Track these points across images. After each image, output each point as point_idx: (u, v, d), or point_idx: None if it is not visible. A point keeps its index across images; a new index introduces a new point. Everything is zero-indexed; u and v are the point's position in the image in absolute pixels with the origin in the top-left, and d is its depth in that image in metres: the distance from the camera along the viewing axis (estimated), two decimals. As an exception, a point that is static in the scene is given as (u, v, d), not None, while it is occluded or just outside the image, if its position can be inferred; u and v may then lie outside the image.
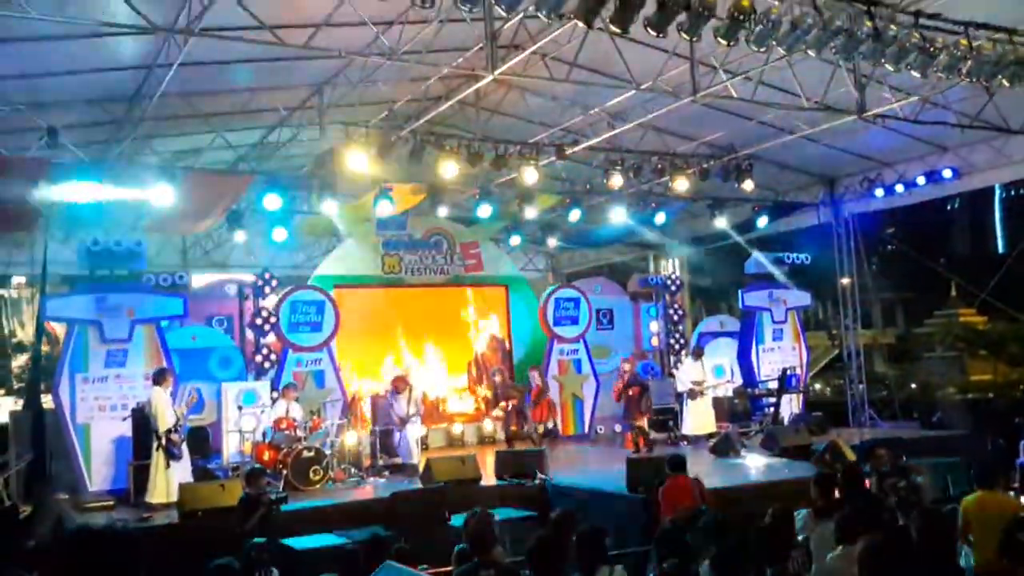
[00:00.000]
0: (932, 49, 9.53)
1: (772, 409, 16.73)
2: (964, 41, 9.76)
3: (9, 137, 12.25)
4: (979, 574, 5.99)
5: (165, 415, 11.69)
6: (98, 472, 12.84)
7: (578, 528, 6.11)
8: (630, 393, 16.75)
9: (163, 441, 11.58)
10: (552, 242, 20.90)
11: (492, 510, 9.68)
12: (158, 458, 11.62)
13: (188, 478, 11.73)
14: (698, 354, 17.12)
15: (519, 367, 19.53)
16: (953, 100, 13.11)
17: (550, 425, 16.74)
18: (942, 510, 7.12)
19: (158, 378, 12.10)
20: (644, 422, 16.19)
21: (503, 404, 16.80)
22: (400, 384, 14.68)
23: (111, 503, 11.96)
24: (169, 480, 11.50)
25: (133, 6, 8.70)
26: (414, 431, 14.46)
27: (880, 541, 4.52)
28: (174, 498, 11.08)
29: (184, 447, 11.94)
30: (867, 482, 8.62)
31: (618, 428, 16.10)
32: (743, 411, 17.61)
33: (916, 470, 9.65)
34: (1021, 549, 5.03)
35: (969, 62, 9.85)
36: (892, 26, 9.26)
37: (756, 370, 18.19)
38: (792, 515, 6.72)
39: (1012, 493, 7.09)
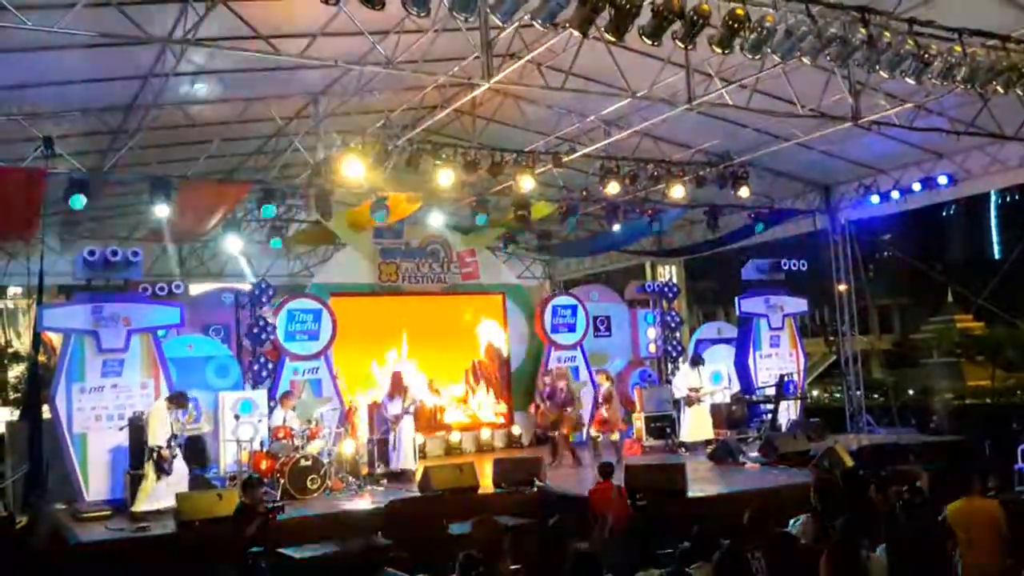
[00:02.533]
0: (926, 56, 9.56)
1: (770, 416, 16.73)
2: (958, 47, 9.78)
3: (5, 147, 12.24)
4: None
5: (157, 431, 11.68)
6: (95, 482, 12.81)
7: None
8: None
9: (154, 455, 11.59)
10: (549, 250, 20.92)
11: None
12: (148, 469, 11.67)
13: (183, 488, 11.71)
14: (696, 362, 17.12)
15: (516, 375, 19.54)
16: (948, 106, 13.14)
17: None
18: (939, 516, 7.16)
19: (172, 399, 12.10)
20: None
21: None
22: (396, 381, 14.77)
23: (108, 512, 11.92)
24: (157, 492, 11.52)
25: (129, 16, 8.71)
26: (407, 433, 14.39)
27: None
28: (158, 506, 11.28)
29: (178, 462, 11.89)
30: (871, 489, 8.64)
31: (615, 436, 16.07)
32: (741, 418, 17.60)
33: (916, 475, 9.65)
34: None
35: (963, 68, 9.87)
36: (886, 33, 9.29)
37: (754, 376, 18.20)
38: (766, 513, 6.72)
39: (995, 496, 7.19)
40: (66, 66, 10.64)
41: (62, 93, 11.63)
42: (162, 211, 13.10)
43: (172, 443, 11.80)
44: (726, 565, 5.28)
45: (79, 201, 12.24)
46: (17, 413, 16.73)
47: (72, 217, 16.28)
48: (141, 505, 11.52)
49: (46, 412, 13.38)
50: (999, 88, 10.31)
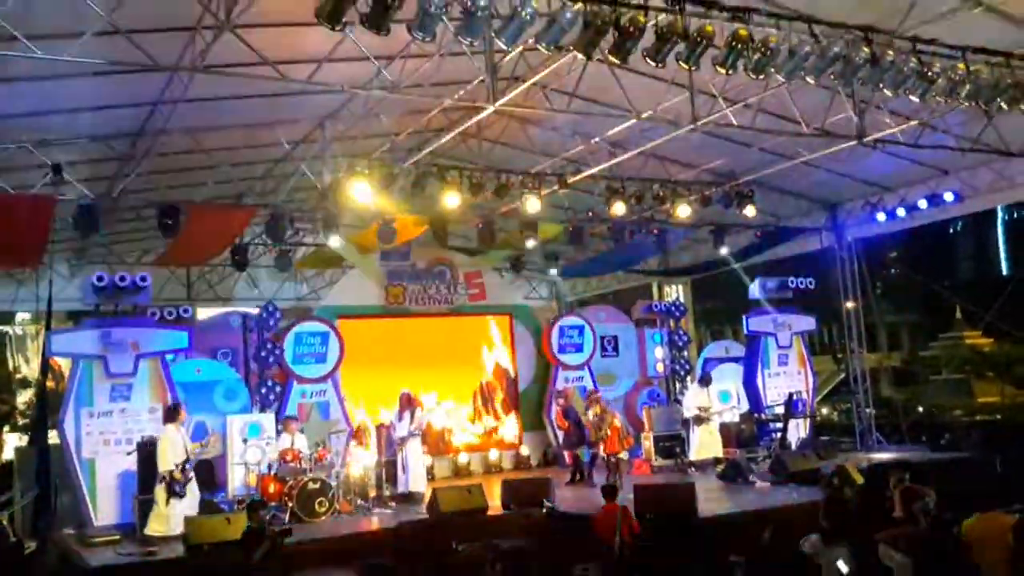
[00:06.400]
0: (930, 74, 9.60)
1: (779, 434, 16.66)
2: (961, 65, 9.83)
3: (14, 174, 12.32)
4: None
5: (167, 456, 11.71)
6: (104, 506, 12.82)
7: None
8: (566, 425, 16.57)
9: (166, 479, 11.61)
10: (555, 271, 20.92)
11: (498, 539, 9.70)
12: (159, 493, 11.67)
13: (195, 512, 11.70)
14: (706, 381, 17.08)
15: (524, 395, 19.52)
16: (953, 124, 13.16)
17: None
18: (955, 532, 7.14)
19: (170, 414, 12.15)
20: (580, 451, 16.12)
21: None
22: (404, 401, 14.72)
23: (116, 537, 11.91)
24: (169, 515, 11.53)
25: (138, 44, 8.79)
26: (415, 455, 14.40)
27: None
28: (172, 532, 11.27)
29: (192, 485, 11.92)
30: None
31: (624, 455, 16.01)
32: (750, 436, 17.51)
33: (925, 492, 9.62)
34: None
35: (967, 86, 9.92)
36: (889, 52, 9.34)
37: (762, 395, 18.14)
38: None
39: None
40: (75, 94, 10.73)
41: (71, 120, 11.72)
42: (170, 236, 13.17)
43: (186, 466, 11.83)
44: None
45: (88, 228, 12.32)
46: (26, 439, 16.75)
47: (81, 243, 16.36)
48: (153, 530, 11.53)
49: (54, 437, 13.41)
50: (1003, 105, 10.35)
